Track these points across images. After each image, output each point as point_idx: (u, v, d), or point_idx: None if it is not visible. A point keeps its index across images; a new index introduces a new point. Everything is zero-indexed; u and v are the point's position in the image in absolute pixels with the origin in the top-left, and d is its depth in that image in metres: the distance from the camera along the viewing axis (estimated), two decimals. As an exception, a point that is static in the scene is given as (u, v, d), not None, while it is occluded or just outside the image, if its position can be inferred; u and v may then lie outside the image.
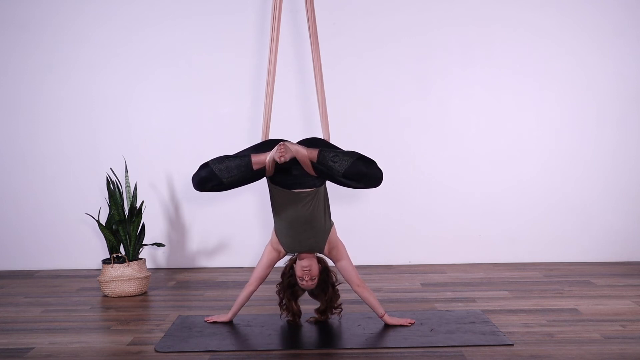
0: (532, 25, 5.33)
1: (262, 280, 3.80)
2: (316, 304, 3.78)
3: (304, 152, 3.48)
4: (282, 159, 3.42)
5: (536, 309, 4.00)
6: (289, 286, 3.70)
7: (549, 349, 3.27)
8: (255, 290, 3.81)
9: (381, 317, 3.71)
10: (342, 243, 3.75)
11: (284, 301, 3.74)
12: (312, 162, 3.49)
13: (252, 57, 5.32)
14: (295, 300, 3.73)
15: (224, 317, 3.83)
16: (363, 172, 3.46)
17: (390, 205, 5.41)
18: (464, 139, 5.40)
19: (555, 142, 5.40)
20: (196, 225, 5.46)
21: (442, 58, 5.35)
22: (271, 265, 3.78)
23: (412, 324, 3.69)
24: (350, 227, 5.06)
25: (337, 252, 3.72)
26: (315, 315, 3.78)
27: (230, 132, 5.31)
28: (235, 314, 3.83)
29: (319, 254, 3.72)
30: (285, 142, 3.48)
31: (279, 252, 3.73)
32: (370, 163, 3.50)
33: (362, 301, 3.84)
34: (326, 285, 3.68)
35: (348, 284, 3.77)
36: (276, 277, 3.86)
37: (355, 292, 3.74)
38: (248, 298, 3.82)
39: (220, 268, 5.42)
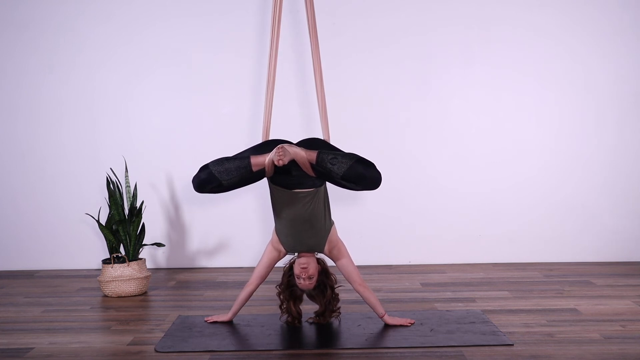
0: (532, 25, 5.33)
1: (262, 279, 3.81)
2: (316, 306, 3.77)
3: (302, 154, 3.48)
4: (281, 162, 3.42)
5: (536, 309, 4.00)
6: (288, 286, 3.69)
7: (549, 349, 3.27)
8: (255, 289, 3.81)
9: (381, 317, 3.71)
10: (343, 242, 3.75)
11: (284, 304, 3.73)
12: (311, 164, 3.49)
13: (252, 57, 5.32)
14: (295, 302, 3.71)
15: (224, 317, 3.83)
16: (362, 175, 3.46)
17: (390, 205, 5.41)
18: (464, 139, 5.40)
19: (555, 142, 5.40)
20: (196, 225, 5.46)
21: (442, 58, 5.35)
22: (271, 265, 3.78)
23: (412, 324, 3.69)
24: (350, 227, 5.06)
25: (338, 251, 3.72)
26: (315, 318, 3.77)
27: (230, 132, 5.31)
28: (235, 314, 3.83)
29: (319, 255, 3.71)
30: (284, 145, 3.47)
31: (280, 252, 3.73)
32: (369, 165, 3.50)
33: (362, 301, 3.84)
34: (325, 287, 3.66)
35: (349, 283, 3.77)
36: (277, 277, 3.86)
37: (356, 291, 3.74)
38: (248, 297, 3.82)
39: (220, 268, 5.42)
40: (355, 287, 3.72)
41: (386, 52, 5.35)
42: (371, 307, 3.74)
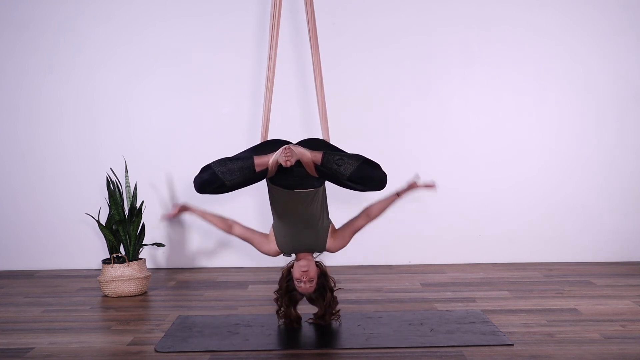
0: (532, 25, 5.33)
1: (229, 230, 3.72)
2: (315, 309, 3.73)
3: (308, 155, 3.45)
4: (289, 162, 3.37)
5: (536, 309, 4.00)
6: (287, 291, 3.64)
7: (549, 349, 3.27)
8: (220, 226, 3.75)
9: (400, 194, 3.72)
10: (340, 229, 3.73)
11: (282, 308, 3.67)
12: (315, 165, 3.46)
13: (252, 57, 5.32)
14: (294, 307, 3.67)
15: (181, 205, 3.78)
16: (368, 176, 3.44)
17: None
18: (464, 139, 5.40)
19: (555, 142, 5.40)
20: (196, 225, 5.46)
21: (442, 58, 5.35)
22: (248, 239, 3.70)
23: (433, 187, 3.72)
24: (350, 227, 5.05)
25: (342, 231, 3.67)
26: (315, 319, 3.73)
27: (230, 132, 5.31)
28: (194, 212, 3.75)
29: (317, 259, 3.68)
30: (290, 146, 3.45)
31: (270, 245, 3.66)
32: (376, 167, 3.49)
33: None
34: (324, 290, 3.63)
35: (373, 217, 3.74)
36: (276, 277, 3.85)
37: (376, 215, 3.72)
38: (213, 221, 3.75)
39: (220, 268, 5.42)
40: (374, 214, 3.71)
41: (386, 52, 5.35)
42: (388, 203, 3.71)
